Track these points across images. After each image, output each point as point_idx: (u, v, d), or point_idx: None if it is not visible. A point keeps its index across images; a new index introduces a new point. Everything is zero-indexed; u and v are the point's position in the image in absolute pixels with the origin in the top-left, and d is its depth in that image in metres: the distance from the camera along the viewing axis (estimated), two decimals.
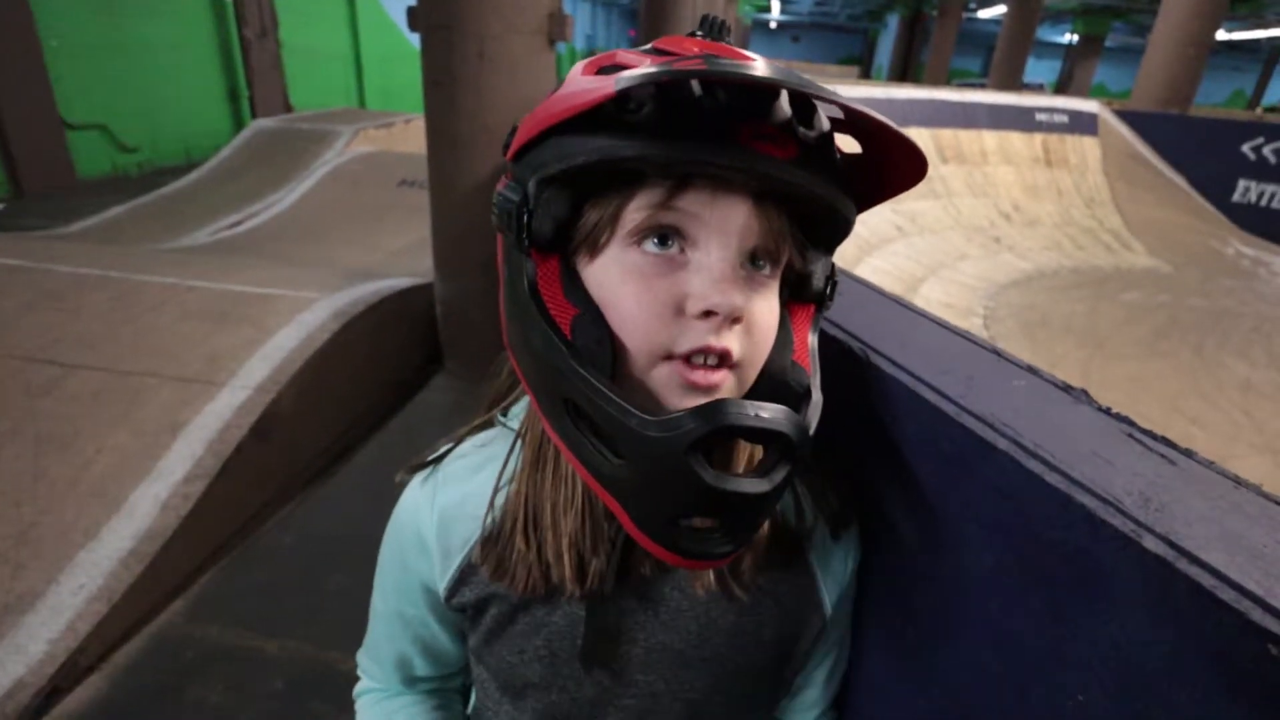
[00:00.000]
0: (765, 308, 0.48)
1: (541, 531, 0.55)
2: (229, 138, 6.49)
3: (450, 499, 0.59)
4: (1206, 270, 5.94)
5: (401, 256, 3.90)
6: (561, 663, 0.58)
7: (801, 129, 0.43)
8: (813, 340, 0.53)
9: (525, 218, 0.46)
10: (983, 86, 12.95)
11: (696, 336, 0.45)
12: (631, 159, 0.43)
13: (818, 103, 0.44)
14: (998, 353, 0.58)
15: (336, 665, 0.72)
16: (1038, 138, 7.22)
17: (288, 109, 8.84)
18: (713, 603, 0.57)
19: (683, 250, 0.46)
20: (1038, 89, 16.22)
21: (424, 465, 0.62)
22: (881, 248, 5.40)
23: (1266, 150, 7.42)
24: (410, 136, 6.18)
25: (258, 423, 2.08)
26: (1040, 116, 7.31)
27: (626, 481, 0.45)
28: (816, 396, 0.49)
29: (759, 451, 0.49)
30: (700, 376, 0.45)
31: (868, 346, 0.59)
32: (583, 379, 0.44)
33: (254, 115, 8.31)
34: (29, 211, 5.42)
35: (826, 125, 0.45)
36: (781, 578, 0.59)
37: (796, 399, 0.49)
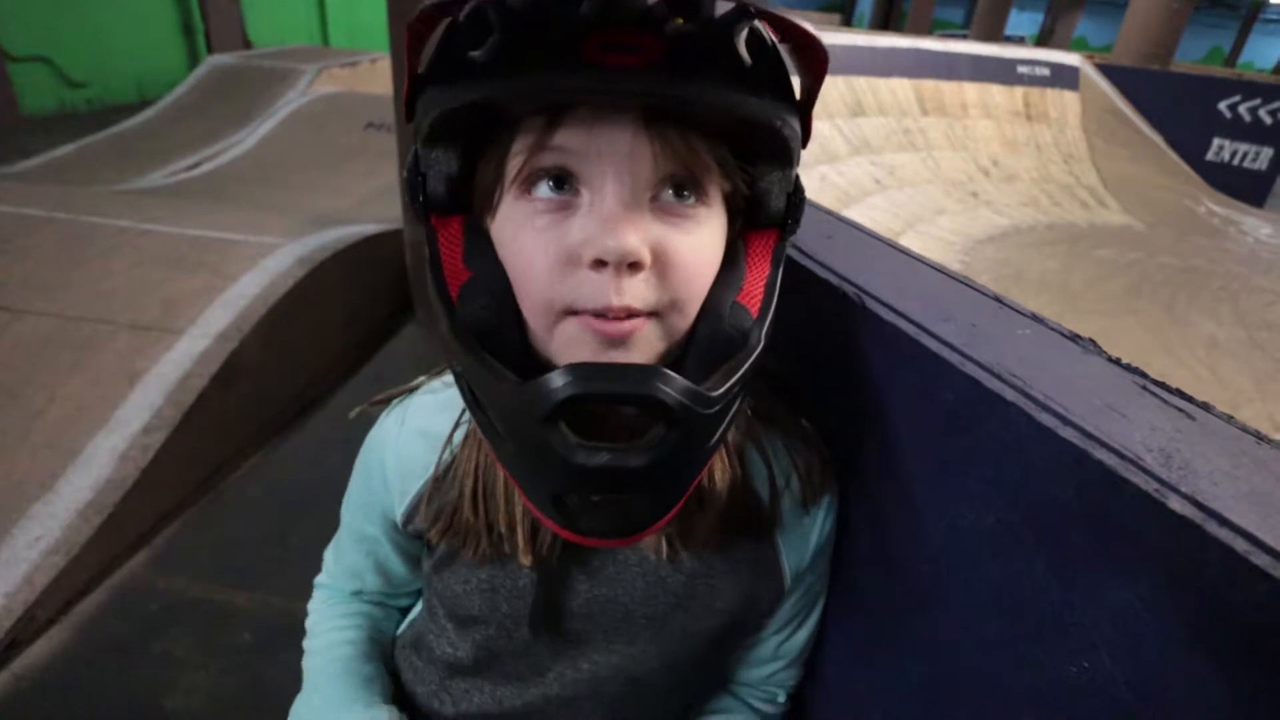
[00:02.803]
0: (688, 244, 0.42)
1: (494, 500, 0.52)
2: (184, 74, 6.15)
3: (417, 427, 0.58)
4: (1178, 229, 6.00)
5: (369, 202, 3.76)
6: (501, 599, 0.56)
7: (675, 21, 0.35)
8: (772, 274, 0.47)
9: (419, 182, 0.44)
10: (965, 38, 12.76)
11: (594, 293, 0.40)
12: (470, 103, 0.39)
13: None
14: (1000, 300, 0.55)
15: (305, 616, 0.71)
16: (1019, 91, 7.16)
17: (246, 45, 8.40)
18: (664, 563, 0.54)
19: (578, 193, 0.41)
20: (1019, 42, 16.06)
21: (388, 400, 0.62)
22: (860, 200, 5.36)
23: (1242, 108, 7.44)
24: (376, 77, 5.92)
25: (220, 372, 2.01)
26: (1022, 69, 7.23)
27: (513, 457, 0.42)
28: (756, 342, 0.44)
29: None
30: (611, 327, 0.40)
31: (863, 291, 0.55)
32: (458, 348, 0.41)
33: (210, 51, 7.88)
34: None
35: (720, 12, 0.36)
36: (740, 545, 0.56)
37: (734, 346, 0.44)
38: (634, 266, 0.40)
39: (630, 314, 0.41)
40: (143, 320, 2.10)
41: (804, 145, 0.46)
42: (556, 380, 0.37)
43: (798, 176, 0.47)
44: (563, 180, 0.41)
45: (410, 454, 0.58)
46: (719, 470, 0.51)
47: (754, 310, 0.45)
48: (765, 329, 0.45)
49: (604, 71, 0.37)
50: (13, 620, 1.49)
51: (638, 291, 0.40)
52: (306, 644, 0.69)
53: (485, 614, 0.57)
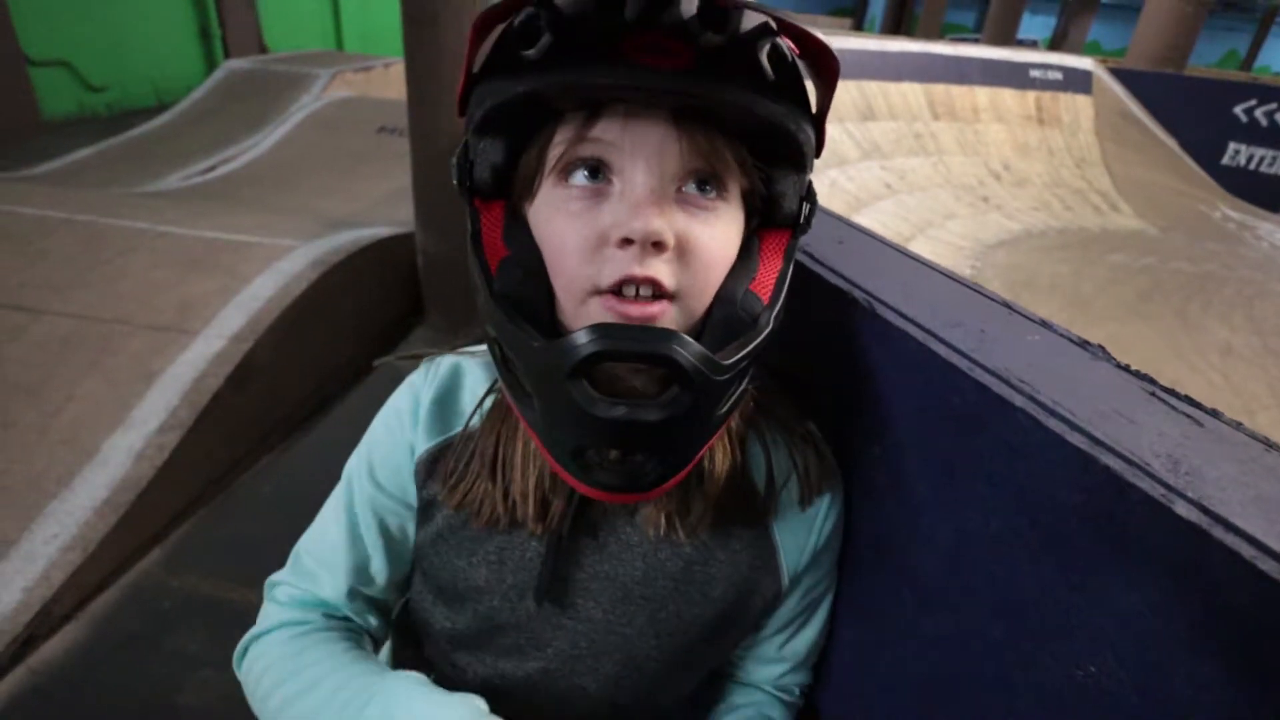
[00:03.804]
0: (707, 234, 0.46)
1: (511, 469, 0.55)
2: (201, 78, 6.22)
3: (454, 373, 0.61)
4: (1192, 234, 5.94)
5: (381, 205, 3.79)
6: (508, 571, 0.58)
7: (708, 33, 0.39)
8: (783, 269, 0.50)
9: (467, 168, 0.49)
10: (976, 42, 12.72)
11: (619, 266, 0.44)
12: (521, 95, 0.43)
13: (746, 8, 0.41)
14: (1009, 306, 0.55)
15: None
16: (1031, 95, 7.12)
17: (262, 50, 8.48)
18: (663, 545, 0.57)
19: (610, 182, 0.46)
20: (1031, 45, 15.99)
21: (419, 357, 0.63)
22: (871, 205, 5.34)
23: (1258, 112, 7.37)
24: (390, 81, 5.96)
25: (234, 372, 2.03)
26: (1034, 73, 7.18)
27: (538, 415, 0.46)
28: (766, 325, 0.47)
29: None
30: (634, 309, 0.44)
31: (873, 297, 0.56)
32: (494, 313, 0.46)
33: (227, 55, 7.97)
34: None
35: (751, 25, 0.40)
36: (739, 536, 0.58)
37: (744, 327, 0.47)
38: (658, 247, 0.44)
39: (652, 285, 0.44)
40: (159, 321, 2.13)
41: (818, 154, 0.49)
42: (581, 338, 0.41)
43: (811, 182, 0.51)
44: (597, 170, 0.46)
45: (441, 402, 0.60)
46: (719, 454, 0.54)
47: (765, 298, 0.49)
48: (774, 315, 0.48)
49: (641, 70, 0.41)
50: (30, 615, 1.51)
51: (660, 268, 0.44)
52: (282, 689, 0.57)
53: (491, 584, 0.58)
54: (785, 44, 0.43)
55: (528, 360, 0.45)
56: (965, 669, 0.48)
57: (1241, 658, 0.31)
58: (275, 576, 0.66)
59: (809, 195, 0.51)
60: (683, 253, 0.45)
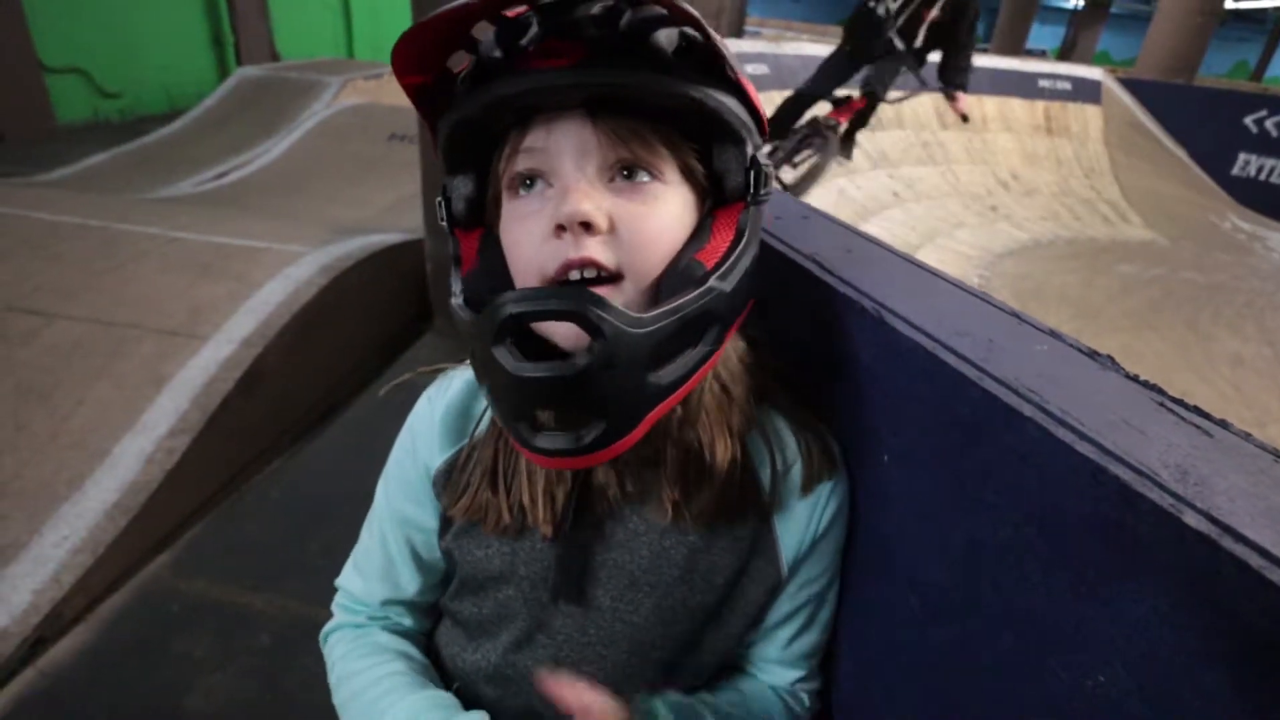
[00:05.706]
0: (643, 211, 0.49)
1: (518, 476, 0.57)
2: (213, 85, 6.30)
3: (461, 392, 0.64)
4: (1202, 244, 5.91)
5: (390, 212, 3.81)
6: (519, 562, 0.60)
7: (592, 30, 0.44)
8: (735, 238, 0.51)
9: (447, 204, 0.55)
10: (984, 51, 12.71)
11: (558, 253, 0.48)
12: (454, 123, 0.50)
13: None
14: (1017, 315, 0.55)
15: (323, 620, 0.72)
16: (1039, 105, 7.11)
17: (274, 57, 8.57)
18: (669, 534, 0.58)
19: (551, 186, 0.50)
20: (1040, 55, 15.95)
21: (435, 372, 0.67)
22: (878, 214, 5.34)
23: (1269, 123, 7.34)
24: (399, 89, 6.00)
25: (244, 377, 2.04)
26: (1043, 83, 7.18)
27: (489, 391, 0.49)
28: (712, 285, 0.48)
29: None
30: (573, 261, 0.48)
31: (881, 306, 0.56)
32: (457, 313, 0.50)
33: (239, 62, 8.05)
34: (7, 158, 5.25)
35: (639, 18, 0.44)
36: (741, 522, 0.59)
37: (682, 290, 0.48)
38: (588, 228, 0.47)
39: (591, 266, 0.47)
40: (169, 326, 2.14)
41: (762, 127, 0.52)
42: (500, 301, 0.44)
43: (755, 156, 0.52)
44: (538, 182, 0.51)
45: (454, 413, 0.63)
46: (720, 449, 0.56)
47: (709, 265, 0.50)
48: (717, 276, 0.48)
49: (540, 73, 0.46)
50: (40, 618, 1.52)
51: (595, 249, 0.47)
52: (348, 684, 0.65)
53: (505, 573, 0.61)
54: (692, 31, 0.46)
55: (469, 336, 0.48)
56: (973, 678, 0.48)
57: (1251, 668, 0.31)
58: (339, 580, 0.73)
59: (754, 166, 0.51)
60: (620, 232, 0.48)
